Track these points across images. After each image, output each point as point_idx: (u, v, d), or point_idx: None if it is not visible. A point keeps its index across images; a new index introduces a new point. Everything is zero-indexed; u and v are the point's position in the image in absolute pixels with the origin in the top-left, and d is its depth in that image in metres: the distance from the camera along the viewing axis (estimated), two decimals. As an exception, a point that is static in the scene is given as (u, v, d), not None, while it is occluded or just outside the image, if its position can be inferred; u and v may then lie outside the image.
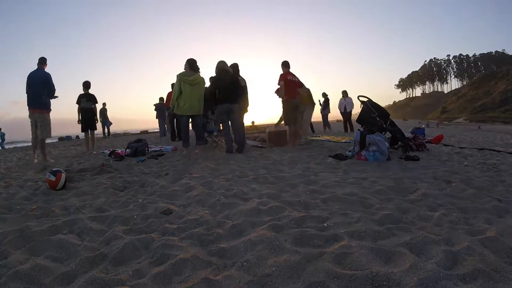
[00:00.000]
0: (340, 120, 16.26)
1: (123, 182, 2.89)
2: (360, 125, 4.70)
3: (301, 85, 5.82)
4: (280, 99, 5.69)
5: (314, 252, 1.30)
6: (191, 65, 4.94)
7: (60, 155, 6.34)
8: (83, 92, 6.34)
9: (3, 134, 15.76)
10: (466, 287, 1.04)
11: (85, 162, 4.66)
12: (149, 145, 5.51)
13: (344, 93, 10.75)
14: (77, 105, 6.27)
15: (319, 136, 8.10)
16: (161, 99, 10.31)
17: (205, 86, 5.12)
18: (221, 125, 5.78)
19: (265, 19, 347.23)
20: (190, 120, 5.03)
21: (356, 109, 8.73)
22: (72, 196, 2.42)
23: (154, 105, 10.44)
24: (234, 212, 1.87)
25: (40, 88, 4.77)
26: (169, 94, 7.85)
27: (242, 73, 5.58)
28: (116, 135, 16.35)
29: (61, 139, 11.53)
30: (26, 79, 4.82)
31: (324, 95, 11.56)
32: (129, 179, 3.04)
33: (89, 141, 6.46)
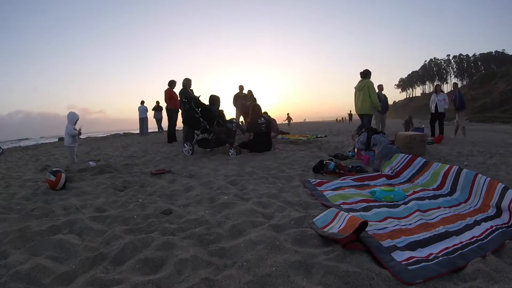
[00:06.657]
0: (341, 119, 15.30)
1: (123, 182, 2.89)
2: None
3: None
4: None
5: (314, 252, 1.30)
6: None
7: (60, 155, 6.34)
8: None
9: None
10: (466, 287, 1.04)
11: (85, 162, 4.65)
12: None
13: (437, 88, 8.33)
14: None
15: (319, 136, 8.09)
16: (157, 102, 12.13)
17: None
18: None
19: (263, 20, 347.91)
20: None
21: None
22: (72, 196, 2.42)
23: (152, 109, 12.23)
24: (234, 212, 1.87)
25: None
26: (168, 92, 7.06)
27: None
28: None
29: (61, 139, 11.43)
30: None
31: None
32: (129, 179, 3.04)
33: None
